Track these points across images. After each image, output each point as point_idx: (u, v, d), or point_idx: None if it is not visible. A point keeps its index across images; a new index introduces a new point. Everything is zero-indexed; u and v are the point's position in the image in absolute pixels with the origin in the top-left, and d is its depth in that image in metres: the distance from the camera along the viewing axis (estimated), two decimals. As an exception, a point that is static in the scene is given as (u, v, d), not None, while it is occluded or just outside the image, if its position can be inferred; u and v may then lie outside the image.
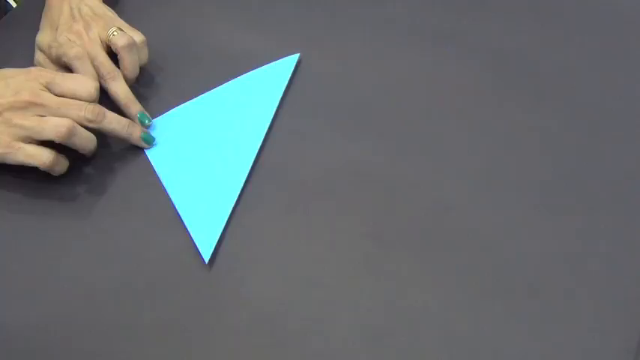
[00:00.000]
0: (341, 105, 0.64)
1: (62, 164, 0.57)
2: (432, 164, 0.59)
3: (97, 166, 0.60)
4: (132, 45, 0.62)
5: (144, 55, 0.65)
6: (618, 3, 0.72)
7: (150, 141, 0.60)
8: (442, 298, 0.50)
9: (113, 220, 0.57)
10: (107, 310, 0.51)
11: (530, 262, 0.52)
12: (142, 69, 0.65)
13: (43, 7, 0.68)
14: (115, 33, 0.62)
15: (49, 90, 0.56)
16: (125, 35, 0.62)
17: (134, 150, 0.61)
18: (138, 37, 0.64)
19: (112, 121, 0.58)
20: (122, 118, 0.59)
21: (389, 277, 0.52)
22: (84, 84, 0.57)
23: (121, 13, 0.67)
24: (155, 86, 0.67)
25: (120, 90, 0.61)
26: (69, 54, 0.60)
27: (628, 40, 0.68)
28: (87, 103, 0.56)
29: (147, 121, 0.61)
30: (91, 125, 0.56)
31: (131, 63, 0.62)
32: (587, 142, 0.60)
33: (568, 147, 0.59)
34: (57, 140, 0.55)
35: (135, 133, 0.59)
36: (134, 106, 0.61)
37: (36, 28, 0.67)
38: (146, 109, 0.62)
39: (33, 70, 0.57)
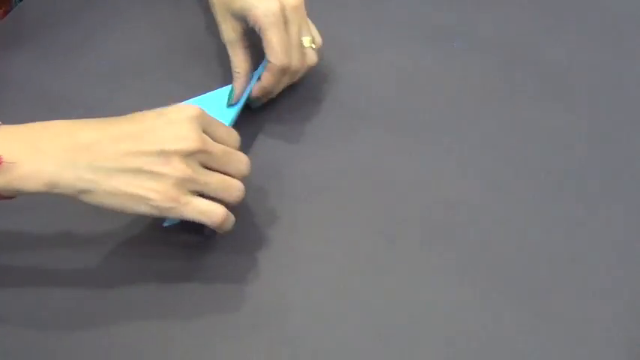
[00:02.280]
0: (347, 102, 0.64)
1: (230, 221, 0.50)
2: (439, 162, 0.59)
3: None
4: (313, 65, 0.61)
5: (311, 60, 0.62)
6: (631, 0, 0.72)
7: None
8: (449, 295, 0.50)
9: (117, 217, 0.55)
10: (110, 306, 0.51)
11: (537, 261, 0.52)
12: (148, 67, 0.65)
13: (49, 4, 0.67)
14: (311, 45, 0.60)
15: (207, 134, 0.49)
16: (315, 55, 0.61)
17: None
18: (318, 40, 0.62)
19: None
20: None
21: (395, 275, 0.52)
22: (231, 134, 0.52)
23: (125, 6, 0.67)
24: (163, 82, 0.66)
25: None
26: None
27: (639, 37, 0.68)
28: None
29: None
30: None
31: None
32: (596, 140, 0.60)
33: (576, 144, 0.60)
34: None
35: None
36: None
37: (44, 21, 0.66)
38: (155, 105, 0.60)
39: (194, 109, 0.49)
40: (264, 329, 0.49)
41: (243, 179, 0.51)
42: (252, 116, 0.64)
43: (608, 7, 0.72)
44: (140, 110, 0.61)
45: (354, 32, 0.71)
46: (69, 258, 0.54)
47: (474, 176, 0.58)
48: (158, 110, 0.49)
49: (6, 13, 0.76)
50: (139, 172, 0.46)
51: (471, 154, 0.59)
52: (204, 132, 0.48)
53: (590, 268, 0.52)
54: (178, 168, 0.46)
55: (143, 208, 0.46)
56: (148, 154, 0.46)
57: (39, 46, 0.68)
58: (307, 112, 0.63)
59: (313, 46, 0.60)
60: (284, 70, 0.59)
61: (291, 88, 0.65)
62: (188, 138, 0.47)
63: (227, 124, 0.59)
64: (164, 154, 0.46)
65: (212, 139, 0.49)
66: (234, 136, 0.52)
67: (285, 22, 0.58)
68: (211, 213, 0.48)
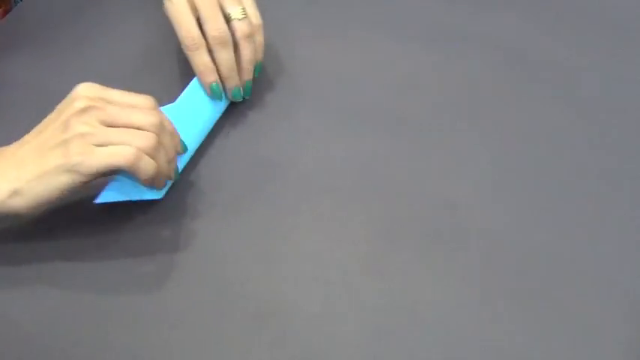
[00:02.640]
0: (349, 102, 0.64)
1: (146, 162, 0.50)
2: (440, 162, 0.59)
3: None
4: (251, 35, 0.59)
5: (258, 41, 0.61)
6: (632, 1, 0.72)
7: (176, 176, 0.56)
8: (448, 296, 0.50)
9: (118, 216, 0.56)
10: (111, 305, 0.51)
11: (538, 261, 0.52)
12: (144, 65, 0.65)
13: (49, 4, 0.67)
14: (236, 16, 0.58)
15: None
16: (246, 25, 0.59)
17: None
18: (258, 38, 0.61)
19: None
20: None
21: (394, 275, 0.52)
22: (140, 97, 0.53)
23: (124, 6, 0.67)
24: (163, 81, 0.66)
25: (225, 61, 0.58)
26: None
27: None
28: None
29: (238, 96, 0.61)
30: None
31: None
32: (598, 142, 0.60)
33: (577, 145, 0.60)
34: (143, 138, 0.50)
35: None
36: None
37: (44, 21, 0.66)
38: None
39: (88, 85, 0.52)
40: (264, 329, 0.49)
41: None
42: (253, 115, 0.64)
43: (610, 7, 0.72)
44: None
45: (355, 32, 0.71)
46: (69, 257, 0.54)
47: (474, 176, 0.58)
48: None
49: (6, 12, 0.76)
50: (47, 151, 0.48)
51: (471, 154, 0.59)
52: (101, 99, 0.50)
53: (591, 269, 0.52)
54: (75, 127, 0.48)
55: (62, 179, 0.48)
56: (50, 132, 0.49)
57: (39, 46, 0.68)
58: (307, 112, 0.63)
59: (241, 16, 0.58)
60: (196, 46, 0.57)
61: (291, 87, 0.65)
62: (77, 99, 0.50)
63: (213, 118, 0.61)
64: (62, 123, 0.49)
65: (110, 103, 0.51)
66: (130, 96, 0.52)
67: (191, 1, 0.57)
68: (118, 154, 0.48)
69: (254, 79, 0.62)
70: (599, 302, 0.50)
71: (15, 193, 0.48)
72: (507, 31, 0.70)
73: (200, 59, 0.58)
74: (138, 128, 0.50)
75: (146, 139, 0.50)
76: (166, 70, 0.67)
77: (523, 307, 0.50)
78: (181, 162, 0.58)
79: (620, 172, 0.58)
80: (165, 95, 0.65)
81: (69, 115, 0.49)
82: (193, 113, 0.60)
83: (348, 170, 0.59)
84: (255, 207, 0.56)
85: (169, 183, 0.56)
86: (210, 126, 0.62)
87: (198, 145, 0.60)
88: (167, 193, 0.56)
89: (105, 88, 0.52)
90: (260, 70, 0.63)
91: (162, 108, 0.56)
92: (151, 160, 0.50)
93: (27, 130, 0.52)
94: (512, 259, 0.52)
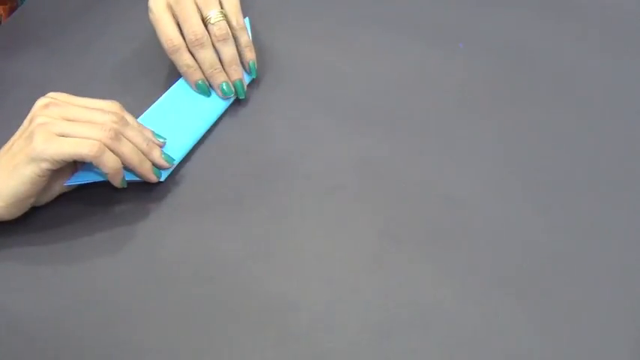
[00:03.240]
0: (352, 101, 0.64)
1: (107, 157, 0.52)
2: (443, 160, 0.59)
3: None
4: (227, 37, 0.62)
5: (245, 57, 0.64)
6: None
7: (172, 161, 0.58)
8: (452, 294, 0.50)
9: (123, 212, 0.56)
10: (115, 303, 0.51)
11: (541, 260, 0.52)
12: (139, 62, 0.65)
13: (54, 3, 0.67)
14: (211, 20, 0.61)
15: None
16: (223, 27, 0.61)
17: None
18: (243, 39, 0.63)
19: (135, 134, 0.55)
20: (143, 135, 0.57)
21: (399, 273, 0.52)
22: (101, 101, 0.56)
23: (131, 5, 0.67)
24: (168, 80, 0.66)
25: (206, 59, 0.61)
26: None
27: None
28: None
29: (228, 92, 0.62)
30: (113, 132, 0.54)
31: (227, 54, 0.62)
32: (600, 140, 0.60)
33: (580, 144, 0.60)
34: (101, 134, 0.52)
35: (156, 152, 0.56)
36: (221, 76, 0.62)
37: (49, 20, 0.66)
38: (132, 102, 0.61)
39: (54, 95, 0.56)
40: (268, 328, 0.49)
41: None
42: (256, 115, 0.64)
43: (614, 9, 0.72)
44: (146, 106, 0.62)
45: (358, 30, 0.71)
46: (70, 255, 0.54)
47: (478, 176, 0.58)
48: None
49: (11, 11, 0.76)
50: (15, 148, 0.52)
51: (475, 152, 0.59)
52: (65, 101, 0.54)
53: (597, 267, 0.51)
54: (37, 119, 0.51)
55: (30, 168, 0.50)
56: (18, 133, 0.53)
57: (43, 45, 0.68)
58: (310, 111, 0.63)
59: (216, 20, 0.61)
60: (175, 48, 0.61)
61: (294, 87, 0.65)
62: (41, 100, 0.53)
63: (210, 114, 0.62)
64: (27, 120, 0.53)
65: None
66: (94, 101, 0.55)
67: (170, 8, 0.61)
68: (82, 144, 0.50)
69: (255, 79, 0.64)
70: (605, 301, 0.50)
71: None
72: (512, 31, 0.70)
73: (182, 60, 0.61)
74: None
75: (105, 132, 0.52)
76: (172, 70, 0.67)
77: (528, 306, 0.49)
78: (179, 151, 0.59)
79: (625, 170, 0.57)
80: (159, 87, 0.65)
81: (33, 113, 0.53)
82: (183, 110, 0.62)
83: (351, 169, 0.59)
84: (258, 206, 0.56)
85: (169, 170, 0.58)
86: (209, 122, 0.62)
87: (195, 139, 0.61)
88: (169, 176, 0.58)
89: (70, 95, 0.55)
90: (254, 68, 0.64)
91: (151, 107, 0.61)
92: (113, 156, 0.52)
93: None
94: (517, 258, 0.52)
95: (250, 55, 0.64)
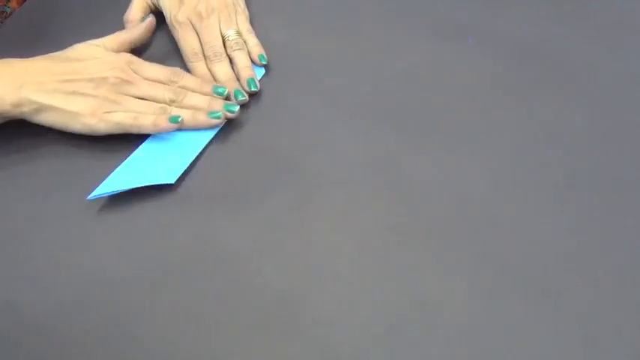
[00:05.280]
0: (360, 97, 0.64)
1: (163, 122, 0.60)
2: (452, 157, 0.59)
3: (115, 153, 0.60)
4: (242, 48, 0.67)
5: (254, 52, 0.68)
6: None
7: (233, 109, 0.62)
8: (460, 291, 0.50)
9: (131, 207, 0.57)
10: (123, 297, 0.51)
11: (550, 258, 0.52)
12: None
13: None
14: (230, 38, 0.67)
15: (137, 73, 0.62)
16: (239, 42, 0.67)
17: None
18: (252, 41, 0.68)
19: (193, 97, 0.62)
20: (203, 95, 0.62)
21: (406, 270, 0.52)
22: (165, 71, 0.63)
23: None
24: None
25: (221, 71, 0.66)
26: (179, 36, 0.67)
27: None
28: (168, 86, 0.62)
29: (241, 97, 0.64)
30: (174, 105, 0.61)
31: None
32: (610, 138, 0.59)
33: (591, 142, 0.59)
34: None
35: (216, 105, 0.62)
36: (233, 83, 0.65)
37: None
38: None
39: (125, 55, 0.63)
40: (273, 323, 0.49)
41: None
42: (267, 109, 0.64)
43: (624, 5, 0.71)
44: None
45: (367, 27, 0.71)
46: (79, 248, 0.54)
47: (487, 173, 0.57)
48: (96, 52, 0.62)
49: (23, 0, 0.77)
50: (73, 94, 0.58)
51: (484, 150, 0.59)
52: (135, 72, 0.61)
53: (606, 268, 0.51)
54: (101, 91, 0.59)
55: (76, 125, 0.58)
56: (81, 80, 0.59)
57: (53, 37, 0.68)
58: (320, 107, 0.63)
59: (233, 37, 0.67)
60: (197, 58, 0.66)
61: (302, 82, 0.65)
62: (115, 68, 0.60)
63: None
64: (94, 80, 0.59)
65: (144, 77, 0.61)
66: (165, 71, 0.63)
67: (192, 24, 0.67)
68: (139, 119, 0.59)
69: (263, 75, 0.67)
70: (616, 301, 0.49)
71: (34, 111, 0.58)
72: (522, 28, 0.69)
73: (198, 68, 0.66)
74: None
75: (155, 110, 0.60)
76: (179, 67, 0.68)
77: (537, 305, 0.49)
78: (190, 153, 0.60)
79: (637, 169, 0.57)
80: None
81: (100, 78, 0.59)
82: None
83: (359, 164, 0.59)
84: (266, 200, 0.56)
85: (181, 169, 0.58)
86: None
87: (204, 144, 0.61)
88: (179, 179, 0.58)
89: (142, 63, 0.63)
90: (264, 58, 0.67)
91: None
92: (164, 121, 0.59)
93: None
94: (525, 256, 0.52)
95: (258, 50, 0.68)
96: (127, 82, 0.60)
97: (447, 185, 0.57)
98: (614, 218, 0.54)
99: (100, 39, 0.64)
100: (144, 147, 0.60)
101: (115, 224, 0.56)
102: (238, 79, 0.65)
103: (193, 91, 0.62)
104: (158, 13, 0.70)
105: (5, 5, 0.76)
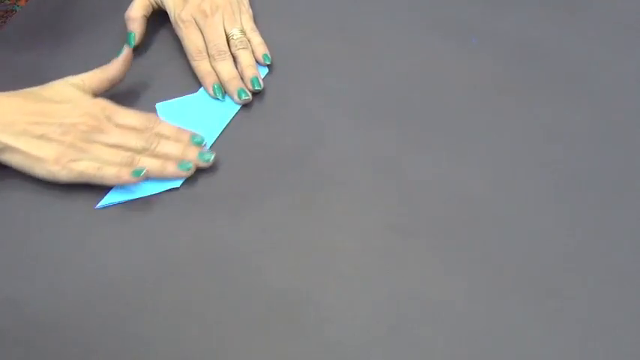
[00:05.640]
0: (363, 96, 0.64)
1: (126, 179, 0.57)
2: (454, 155, 0.59)
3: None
4: (246, 47, 0.67)
5: (258, 51, 0.68)
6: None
7: (208, 158, 0.59)
8: (462, 290, 0.51)
9: (133, 207, 0.57)
10: (125, 296, 0.51)
11: (551, 258, 0.52)
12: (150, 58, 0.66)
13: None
14: (234, 36, 0.67)
15: (110, 120, 0.59)
16: (244, 41, 0.67)
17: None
18: (256, 40, 0.68)
19: (166, 145, 0.59)
20: (177, 143, 0.60)
21: (409, 269, 0.52)
22: (139, 117, 0.60)
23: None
24: (181, 74, 0.67)
25: (225, 70, 0.65)
26: (183, 34, 0.67)
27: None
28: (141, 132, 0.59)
29: (244, 96, 0.64)
30: (146, 153, 0.58)
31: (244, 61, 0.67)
32: (612, 138, 0.59)
33: (592, 142, 0.59)
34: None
35: (190, 154, 0.59)
36: (236, 82, 0.65)
37: (65, 8, 0.67)
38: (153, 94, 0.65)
39: (100, 101, 0.60)
40: (277, 322, 0.49)
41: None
42: (271, 109, 0.64)
43: (624, 5, 0.70)
44: (159, 100, 0.64)
45: (372, 27, 0.70)
46: (81, 247, 0.55)
47: (489, 172, 0.57)
48: (71, 94, 0.59)
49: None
50: (41, 138, 0.56)
51: (486, 150, 0.59)
52: (109, 119, 0.58)
53: (607, 268, 0.51)
54: (69, 138, 0.56)
55: (39, 171, 0.56)
56: (51, 124, 0.56)
57: (58, 34, 0.68)
58: (323, 106, 0.63)
59: (237, 36, 0.67)
60: (201, 57, 0.66)
61: (306, 81, 0.65)
62: (86, 114, 0.58)
63: (224, 120, 0.64)
64: (63, 125, 0.57)
65: (116, 124, 0.59)
66: (140, 117, 0.60)
67: (197, 22, 0.67)
68: (103, 170, 0.56)
69: (267, 74, 0.66)
70: (617, 301, 0.50)
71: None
72: (525, 27, 0.69)
73: (202, 66, 0.66)
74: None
75: (128, 158, 0.57)
76: (184, 66, 0.68)
77: (538, 304, 0.50)
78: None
79: (637, 169, 0.57)
80: (182, 88, 0.66)
81: (70, 123, 0.57)
82: (201, 112, 0.64)
83: (362, 163, 0.59)
84: (267, 200, 0.57)
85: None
86: (223, 124, 0.63)
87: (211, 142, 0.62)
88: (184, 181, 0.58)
89: (114, 108, 0.59)
90: (268, 57, 0.67)
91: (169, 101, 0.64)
92: (128, 177, 0.56)
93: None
94: (527, 256, 0.52)
95: (263, 49, 0.68)
96: (98, 129, 0.57)
97: (447, 185, 0.57)
98: (614, 218, 0.54)
99: (80, 76, 0.61)
100: None
101: (117, 224, 0.56)
102: (242, 78, 0.65)
103: (168, 138, 0.59)
104: (162, 12, 0.70)
105: (15, 4, 0.76)
